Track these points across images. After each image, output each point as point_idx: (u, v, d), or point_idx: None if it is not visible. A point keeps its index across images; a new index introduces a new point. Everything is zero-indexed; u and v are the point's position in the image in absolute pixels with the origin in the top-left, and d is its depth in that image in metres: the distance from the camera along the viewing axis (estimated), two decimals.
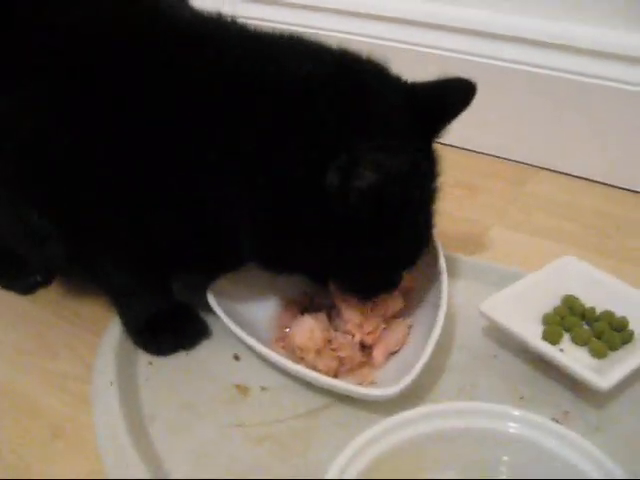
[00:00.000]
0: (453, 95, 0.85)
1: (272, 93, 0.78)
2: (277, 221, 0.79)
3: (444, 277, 0.92)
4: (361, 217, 0.77)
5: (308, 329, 0.88)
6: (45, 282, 1.04)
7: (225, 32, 0.85)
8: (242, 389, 0.87)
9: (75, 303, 1.01)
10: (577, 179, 1.34)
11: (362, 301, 0.89)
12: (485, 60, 1.35)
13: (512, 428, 0.71)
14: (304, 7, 1.51)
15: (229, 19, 0.86)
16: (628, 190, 1.31)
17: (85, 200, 0.83)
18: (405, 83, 0.84)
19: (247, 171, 0.78)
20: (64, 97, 0.80)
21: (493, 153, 1.42)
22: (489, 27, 1.34)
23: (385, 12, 1.44)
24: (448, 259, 0.96)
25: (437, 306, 0.88)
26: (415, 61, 1.37)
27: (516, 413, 0.71)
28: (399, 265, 0.88)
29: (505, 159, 1.41)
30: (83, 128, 0.80)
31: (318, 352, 0.87)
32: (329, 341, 0.88)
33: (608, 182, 1.32)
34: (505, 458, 0.71)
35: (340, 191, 0.74)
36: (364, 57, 0.84)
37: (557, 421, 0.79)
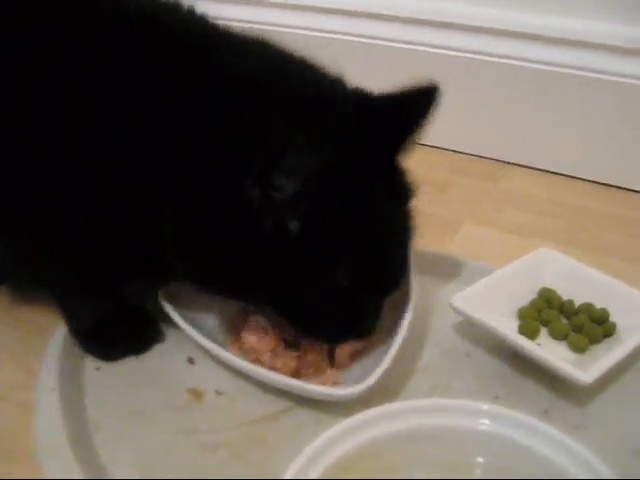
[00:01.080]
0: (413, 105, 0.77)
1: (193, 91, 0.73)
2: (200, 240, 0.74)
3: (411, 272, 0.86)
4: (293, 235, 0.70)
5: (261, 329, 0.83)
6: None
7: (167, 22, 0.79)
8: (196, 394, 0.82)
9: (20, 308, 0.95)
10: (551, 174, 1.31)
11: (322, 345, 0.83)
12: (454, 53, 1.31)
13: (484, 425, 0.65)
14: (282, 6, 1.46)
15: (183, 8, 0.80)
16: (602, 184, 1.27)
17: (21, 202, 0.77)
18: (360, 94, 0.78)
19: (165, 176, 0.73)
20: None
21: (464, 150, 1.38)
22: (457, 18, 1.30)
23: (364, 8, 1.39)
24: (417, 255, 0.90)
25: (405, 302, 0.83)
26: (383, 55, 1.35)
27: (486, 408, 0.66)
28: (356, 299, 0.77)
29: (476, 156, 1.37)
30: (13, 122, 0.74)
31: (274, 352, 0.81)
32: (296, 343, 0.83)
33: (582, 176, 1.29)
34: (480, 459, 0.66)
35: (264, 206, 0.68)
36: (309, 63, 0.78)
37: None
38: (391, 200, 0.76)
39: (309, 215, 0.69)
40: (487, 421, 0.66)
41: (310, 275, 0.73)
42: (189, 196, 0.72)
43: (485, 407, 0.66)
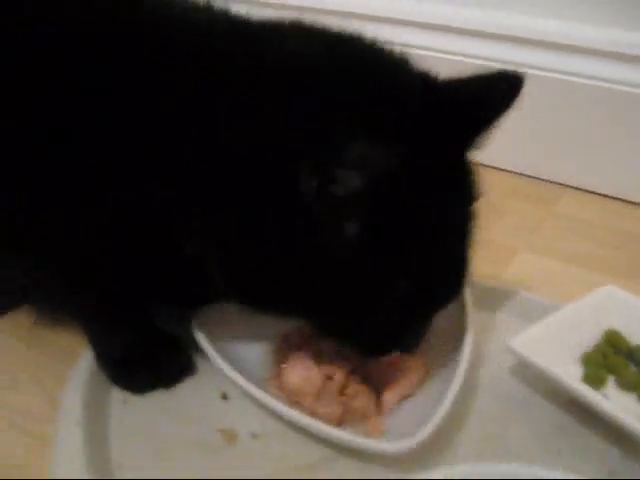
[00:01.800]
0: (493, 93, 0.68)
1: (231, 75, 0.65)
2: (244, 244, 0.66)
3: (468, 308, 0.80)
4: (350, 239, 0.63)
5: (305, 368, 0.76)
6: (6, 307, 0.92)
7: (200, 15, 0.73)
8: (228, 435, 0.75)
9: (45, 329, 0.90)
10: (612, 200, 1.24)
11: (370, 360, 0.77)
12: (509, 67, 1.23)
13: None
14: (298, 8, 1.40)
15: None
16: None
17: (41, 221, 0.71)
18: (430, 79, 0.69)
19: (199, 176, 0.66)
20: None
21: (518, 171, 1.32)
22: (503, 29, 1.24)
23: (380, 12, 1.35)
24: (471, 287, 0.83)
25: (459, 343, 0.77)
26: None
27: None
28: (415, 309, 0.71)
29: (531, 177, 1.31)
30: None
31: (317, 395, 0.75)
32: (343, 387, 0.76)
33: None
34: None
35: (321, 202, 0.61)
36: (372, 43, 0.70)
37: None
38: (458, 202, 0.70)
39: (370, 217, 0.62)
40: None
41: (365, 285, 0.66)
42: (231, 198, 0.65)
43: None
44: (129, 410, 0.79)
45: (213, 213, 0.66)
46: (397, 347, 0.74)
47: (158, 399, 0.80)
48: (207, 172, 0.65)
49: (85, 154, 0.67)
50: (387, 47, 0.70)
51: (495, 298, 0.94)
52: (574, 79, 1.21)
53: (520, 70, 0.68)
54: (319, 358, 0.77)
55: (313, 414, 0.73)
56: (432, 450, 0.71)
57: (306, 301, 0.69)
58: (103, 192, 0.68)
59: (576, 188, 1.27)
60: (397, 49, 0.70)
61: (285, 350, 0.81)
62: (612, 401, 0.77)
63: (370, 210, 0.62)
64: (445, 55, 1.27)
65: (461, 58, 1.27)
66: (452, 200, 0.68)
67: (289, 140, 0.61)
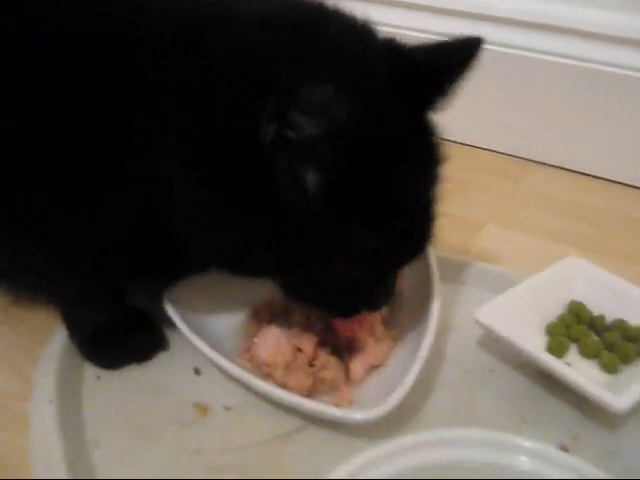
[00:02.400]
0: (452, 56, 0.70)
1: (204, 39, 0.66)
2: (212, 198, 0.66)
3: (435, 281, 0.82)
4: (311, 191, 0.62)
5: (274, 341, 0.77)
6: None
7: None
8: (202, 409, 0.77)
9: (17, 307, 0.90)
10: (578, 174, 1.26)
11: (336, 320, 0.77)
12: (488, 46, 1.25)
13: (521, 463, 0.60)
14: None
15: None
16: (633, 187, 1.22)
17: (18, 203, 0.72)
18: (393, 44, 0.70)
19: (169, 133, 0.66)
20: None
21: (485, 146, 1.33)
22: (483, 9, 1.24)
23: None
24: (438, 260, 0.85)
25: (426, 314, 0.78)
26: None
27: (527, 445, 0.61)
28: (378, 264, 0.70)
29: (498, 152, 1.32)
30: None
31: (288, 367, 0.76)
32: (313, 359, 0.78)
33: (612, 178, 1.24)
34: None
35: (278, 148, 0.61)
36: (340, 11, 0.71)
37: (565, 446, 0.70)
38: (421, 160, 0.70)
39: (331, 168, 0.62)
40: (526, 459, 0.61)
41: (327, 239, 0.66)
42: (197, 150, 0.65)
43: (526, 444, 0.62)
44: (103, 386, 0.80)
45: (181, 168, 0.66)
46: (364, 306, 0.74)
47: (131, 375, 0.81)
48: (175, 124, 0.66)
49: (55, 124, 0.67)
50: (355, 16, 0.71)
51: (462, 271, 0.96)
52: (542, 56, 1.22)
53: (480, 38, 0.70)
54: (289, 331, 0.79)
55: (284, 386, 0.75)
56: (400, 419, 0.73)
57: (272, 259, 0.68)
58: (77, 166, 0.68)
59: (543, 164, 1.29)
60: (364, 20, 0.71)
61: (255, 325, 0.82)
62: (575, 368, 0.78)
63: (330, 160, 0.61)
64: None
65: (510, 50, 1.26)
66: (414, 156, 0.69)
67: (255, 86, 0.61)
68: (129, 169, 0.68)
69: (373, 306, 0.75)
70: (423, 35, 1.23)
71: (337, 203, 0.63)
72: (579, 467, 0.59)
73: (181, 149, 0.66)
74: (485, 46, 1.08)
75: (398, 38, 0.71)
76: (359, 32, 0.70)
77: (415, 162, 0.69)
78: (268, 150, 0.61)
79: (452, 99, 0.71)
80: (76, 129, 0.67)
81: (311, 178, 0.62)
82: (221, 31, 0.66)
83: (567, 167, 1.27)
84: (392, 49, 0.70)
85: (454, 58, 0.70)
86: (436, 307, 0.79)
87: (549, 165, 1.28)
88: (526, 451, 0.61)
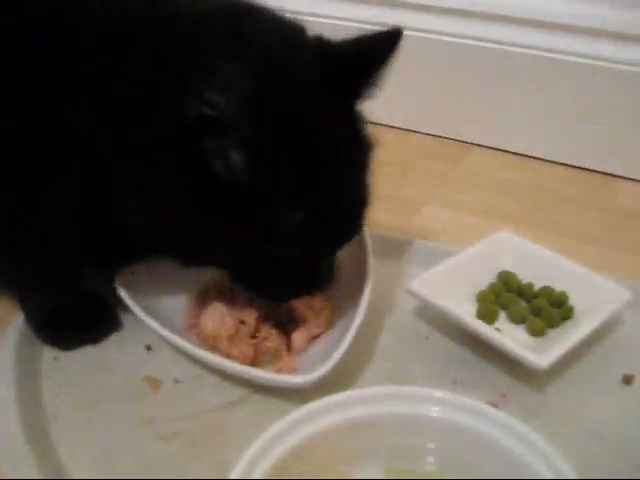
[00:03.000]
0: (373, 49, 0.74)
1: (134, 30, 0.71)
2: (150, 186, 0.70)
3: (369, 255, 0.86)
4: (235, 164, 0.66)
5: (219, 315, 0.82)
6: None
7: None
8: (153, 382, 0.81)
9: None
10: (512, 155, 1.31)
11: (274, 304, 0.81)
12: (413, 33, 1.29)
13: (435, 412, 0.65)
14: None
15: None
16: (562, 164, 1.28)
17: None
18: (319, 39, 0.75)
19: (105, 120, 0.70)
20: None
21: (425, 131, 1.38)
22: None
23: None
24: (375, 237, 0.90)
25: (362, 286, 0.83)
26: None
27: (437, 394, 0.66)
28: (311, 246, 0.73)
29: (437, 136, 1.37)
30: None
31: (231, 339, 0.81)
32: (255, 331, 0.82)
33: (544, 157, 1.29)
34: (431, 445, 0.66)
35: (200, 126, 0.65)
36: (269, 11, 0.75)
37: (494, 404, 0.74)
38: (347, 142, 0.73)
39: (250, 144, 0.66)
40: (438, 408, 0.65)
41: (260, 218, 0.69)
42: (131, 135, 0.70)
43: (436, 394, 0.66)
44: (60, 366, 0.83)
45: (117, 153, 0.70)
46: (302, 290, 0.78)
47: (87, 354, 0.85)
48: (110, 112, 0.70)
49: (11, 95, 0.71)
50: (285, 15, 0.75)
51: (400, 248, 1.00)
52: (473, 42, 1.27)
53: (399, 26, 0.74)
54: (232, 307, 0.83)
55: (228, 356, 0.79)
56: (339, 383, 0.76)
57: (210, 241, 0.72)
58: (24, 153, 0.72)
59: (479, 145, 1.33)
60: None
61: (202, 302, 0.87)
62: (504, 333, 0.83)
63: (249, 137, 0.65)
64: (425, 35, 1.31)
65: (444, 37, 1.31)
66: (338, 139, 0.72)
67: (181, 70, 0.66)
68: (73, 156, 0.72)
69: (311, 290, 0.78)
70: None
71: (262, 180, 0.67)
72: (484, 410, 0.64)
73: (116, 133, 0.70)
74: (421, 34, 1.14)
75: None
76: (284, 27, 0.74)
77: (339, 145, 0.72)
78: (195, 130, 0.65)
79: (378, 88, 0.75)
80: (23, 117, 0.71)
81: (235, 155, 0.66)
82: (151, 25, 0.70)
83: (501, 148, 1.32)
84: (318, 42, 0.74)
85: (377, 49, 0.74)
86: (369, 279, 0.83)
87: (484, 147, 1.33)
88: (438, 401, 0.66)
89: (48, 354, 0.85)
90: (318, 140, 0.70)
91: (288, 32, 0.74)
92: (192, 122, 0.64)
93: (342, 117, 0.73)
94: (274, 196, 0.68)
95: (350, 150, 0.74)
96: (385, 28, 0.75)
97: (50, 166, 0.73)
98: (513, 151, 1.31)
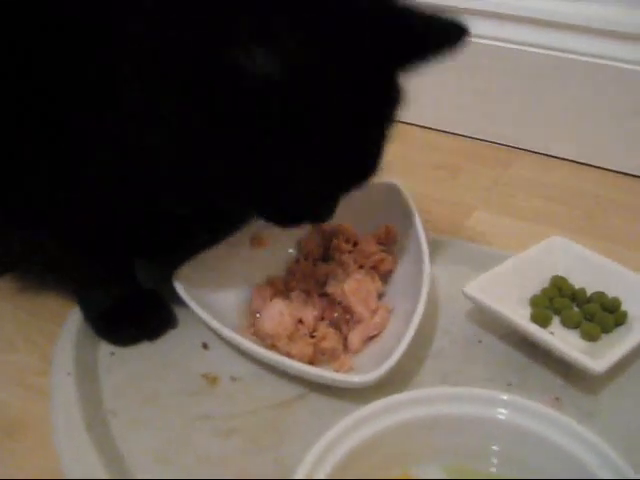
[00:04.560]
0: (436, 31, 0.74)
1: None
2: (186, 126, 0.69)
3: (426, 259, 0.86)
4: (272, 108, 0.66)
5: (277, 314, 0.82)
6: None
7: None
8: (210, 379, 0.82)
9: (34, 292, 0.95)
10: (561, 161, 1.30)
11: (285, 227, 0.81)
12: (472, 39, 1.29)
13: (501, 414, 0.66)
14: None
15: None
16: (613, 171, 1.27)
17: (29, 188, 0.76)
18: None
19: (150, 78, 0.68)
20: None
21: (475, 135, 1.37)
22: (466, 3, 1.28)
23: None
24: (430, 242, 0.90)
25: (418, 289, 0.83)
26: None
27: (504, 398, 0.66)
28: (318, 185, 0.75)
29: (488, 141, 1.37)
30: None
31: (290, 338, 0.81)
32: (313, 330, 0.84)
33: (593, 163, 1.28)
34: (495, 447, 0.66)
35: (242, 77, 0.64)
36: None
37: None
38: (376, 103, 0.74)
39: (293, 98, 0.66)
40: (503, 410, 0.66)
41: (276, 155, 0.70)
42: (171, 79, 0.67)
43: (502, 396, 0.67)
44: (117, 361, 0.84)
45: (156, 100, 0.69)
46: (308, 218, 0.80)
47: (143, 350, 0.86)
48: (153, 65, 0.67)
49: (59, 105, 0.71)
50: None
51: (453, 251, 1.01)
52: (529, 49, 1.27)
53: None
54: (290, 305, 0.84)
55: (287, 355, 0.80)
56: (394, 385, 0.77)
57: (243, 173, 0.71)
58: (86, 147, 0.72)
59: (529, 151, 1.33)
60: None
61: (259, 301, 0.88)
62: (558, 337, 0.83)
63: (292, 90, 0.65)
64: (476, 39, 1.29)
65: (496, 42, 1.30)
66: (367, 100, 0.73)
67: (224, 20, 0.64)
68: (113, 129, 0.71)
69: (316, 218, 0.81)
70: None
71: (284, 127, 0.67)
72: (549, 414, 0.64)
73: (157, 83, 0.68)
74: (477, 40, 1.14)
75: None
76: None
77: (368, 97, 0.72)
78: (234, 76, 0.64)
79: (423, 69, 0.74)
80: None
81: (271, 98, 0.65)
82: None
83: (550, 154, 1.31)
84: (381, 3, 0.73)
85: (437, 37, 0.74)
86: (426, 282, 0.83)
87: (534, 152, 1.33)
88: (504, 403, 0.66)
89: (105, 349, 0.86)
90: (348, 90, 0.70)
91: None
92: (234, 70, 0.64)
93: (380, 78, 0.73)
94: (291, 140, 0.69)
95: (379, 105, 0.74)
96: (451, 20, 0.74)
97: (93, 156, 0.73)
98: (562, 157, 1.30)
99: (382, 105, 0.75)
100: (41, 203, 0.77)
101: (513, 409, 0.66)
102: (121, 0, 0.68)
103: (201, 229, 0.84)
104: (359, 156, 0.75)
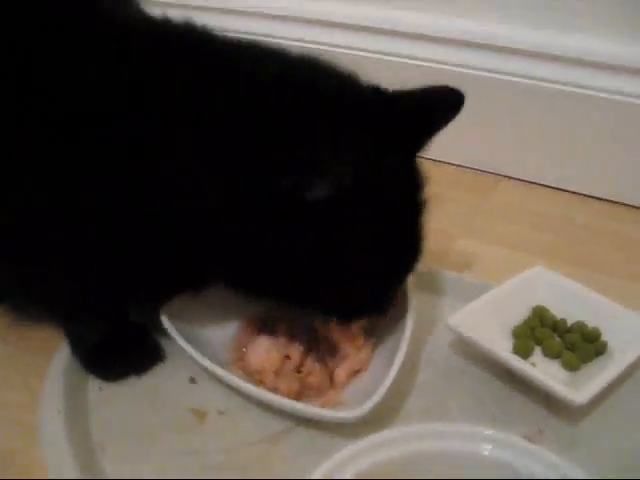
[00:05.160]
0: (439, 105, 0.79)
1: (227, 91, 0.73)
2: (238, 232, 0.74)
3: (409, 291, 0.88)
4: (322, 228, 0.72)
5: (264, 350, 0.84)
6: None
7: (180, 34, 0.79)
8: (199, 414, 0.83)
9: (22, 326, 0.95)
10: (543, 187, 1.33)
11: (344, 324, 0.85)
12: (447, 67, 1.32)
13: (486, 450, 0.67)
14: (266, 16, 1.47)
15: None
16: (594, 197, 1.29)
17: (24, 220, 0.77)
18: (381, 92, 0.78)
19: (202, 174, 0.73)
20: None
21: (456, 162, 1.40)
22: (452, 34, 1.31)
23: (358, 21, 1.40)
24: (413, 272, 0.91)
25: (402, 321, 0.85)
26: (384, 70, 1.35)
27: (489, 433, 0.68)
28: (380, 281, 0.80)
29: (469, 168, 1.39)
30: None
31: (277, 373, 0.83)
32: (300, 365, 0.85)
33: (575, 190, 1.31)
34: None
35: (293, 202, 0.70)
36: (326, 64, 0.78)
37: (531, 440, 0.75)
38: (410, 193, 0.79)
39: (345, 215, 0.72)
40: (489, 446, 0.67)
41: (340, 264, 0.75)
42: (224, 204, 0.73)
43: (487, 432, 0.68)
44: (105, 396, 0.85)
45: (216, 218, 0.74)
46: (368, 312, 0.83)
47: (132, 385, 0.87)
48: (208, 182, 0.73)
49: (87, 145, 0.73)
50: (338, 67, 0.78)
51: (436, 281, 1.02)
52: (512, 78, 1.29)
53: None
54: (277, 341, 0.85)
55: (274, 390, 0.81)
56: (380, 418, 0.78)
57: (289, 285, 0.77)
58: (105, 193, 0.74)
59: (511, 178, 1.35)
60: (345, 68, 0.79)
61: (246, 336, 0.89)
62: (539, 368, 0.85)
63: (344, 209, 0.72)
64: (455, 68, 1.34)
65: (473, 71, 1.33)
66: (406, 192, 0.79)
67: (274, 156, 0.70)
68: (158, 201, 0.75)
69: (372, 310, 0.83)
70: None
71: (346, 237, 0.74)
72: (535, 451, 0.65)
73: (211, 192, 0.73)
74: (458, 69, 1.16)
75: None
76: (349, 87, 0.78)
77: (406, 197, 0.79)
78: (286, 199, 0.70)
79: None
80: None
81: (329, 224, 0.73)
82: (240, 84, 0.74)
83: (532, 180, 1.34)
84: (380, 97, 0.78)
85: (441, 108, 0.79)
86: (411, 317, 0.85)
87: (515, 179, 1.35)
88: (488, 439, 0.67)
89: (94, 384, 0.87)
90: (392, 203, 0.77)
91: (358, 94, 0.77)
92: (285, 195, 0.70)
93: (408, 173, 0.80)
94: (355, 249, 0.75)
95: (415, 202, 0.80)
96: (446, 87, 0.79)
97: (121, 211, 0.75)
98: (544, 183, 1.32)
99: (416, 190, 0.80)
100: (41, 234, 0.77)
101: (498, 445, 0.67)
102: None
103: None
104: (411, 243, 0.81)
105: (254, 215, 0.72)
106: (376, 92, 0.78)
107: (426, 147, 0.80)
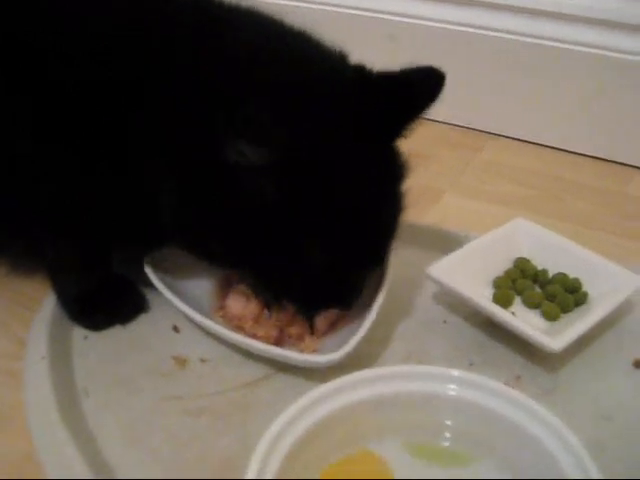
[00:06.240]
0: (420, 88, 0.77)
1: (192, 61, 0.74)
2: (192, 207, 0.75)
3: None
4: (267, 197, 0.71)
5: (243, 297, 0.85)
6: None
7: None
8: (180, 361, 0.84)
9: (8, 278, 0.95)
10: (531, 145, 1.33)
11: (304, 315, 0.83)
12: (437, 24, 1.31)
13: (452, 390, 0.68)
14: None
15: None
16: (580, 154, 1.30)
17: (15, 169, 0.78)
18: (365, 72, 0.77)
19: (153, 136, 0.74)
20: None
21: (446, 121, 1.40)
22: None
23: None
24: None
25: (381, 272, 0.85)
26: (370, 27, 1.36)
27: (455, 374, 0.68)
28: (336, 270, 0.77)
29: (458, 126, 1.39)
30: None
31: (256, 320, 0.84)
32: (276, 316, 0.85)
33: (561, 147, 1.31)
34: (448, 422, 0.68)
35: (239, 170, 0.70)
36: (316, 41, 0.78)
37: (509, 386, 0.76)
38: (381, 181, 0.77)
39: (285, 185, 0.70)
40: (455, 386, 0.68)
41: (291, 246, 0.74)
42: (180, 161, 0.74)
43: (454, 373, 0.69)
44: (90, 344, 0.86)
45: (173, 176, 0.75)
46: (328, 305, 0.81)
47: (116, 334, 0.88)
48: (165, 129, 0.74)
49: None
50: (328, 45, 0.78)
51: (418, 234, 1.02)
52: (497, 34, 1.29)
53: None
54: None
55: (253, 336, 0.82)
56: (358, 365, 0.77)
57: (240, 254, 0.76)
58: (87, 147, 0.76)
59: (498, 135, 1.36)
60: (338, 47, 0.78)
61: (227, 285, 0.90)
62: (519, 317, 0.86)
63: (283, 179, 0.70)
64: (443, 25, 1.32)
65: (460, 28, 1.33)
66: (371, 177, 0.76)
67: (218, 121, 0.70)
68: (128, 162, 0.76)
69: (337, 306, 0.82)
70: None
71: (291, 215, 0.72)
72: (500, 389, 0.67)
73: (165, 157, 0.75)
74: (447, 25, 1.16)
75: None
76: (327, 61, 0.77)
77: (372, 182, 0.76)
78: (230, 163, 0.69)
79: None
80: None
81: (269, 191, 0.70)
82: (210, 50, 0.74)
83: (519, 137, 1.34)
84: (360, 75, 0.76)
85: (420, 92, 0.77)
86: (389, 267, 0.85)
87: (503, 136, 1.35)
88: (455, 380, 0.68)
89: (79, 333, 0.88)
90: (348, 181, 0.73)
91: (329, 63, 0.77)
92: (229, 160, 0.69)
93: (380, 158, 0.77)
94: (299, 228, 0.73)
95: (384, 188, 0.77)
96: (426, 67, 0.77)
97: (100, 163, 0.77)
98: (530, 140, 1.33)
99: (389, 179, 0.78)
100: (40, 187, 0.79)
101: (464, 385, 0.68)
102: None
103: None
104: (370, 234, 0.77)
105: (202, 180, 0.73)
106: (358, 72, 0.77)
107: (407, 132, 0.78)
